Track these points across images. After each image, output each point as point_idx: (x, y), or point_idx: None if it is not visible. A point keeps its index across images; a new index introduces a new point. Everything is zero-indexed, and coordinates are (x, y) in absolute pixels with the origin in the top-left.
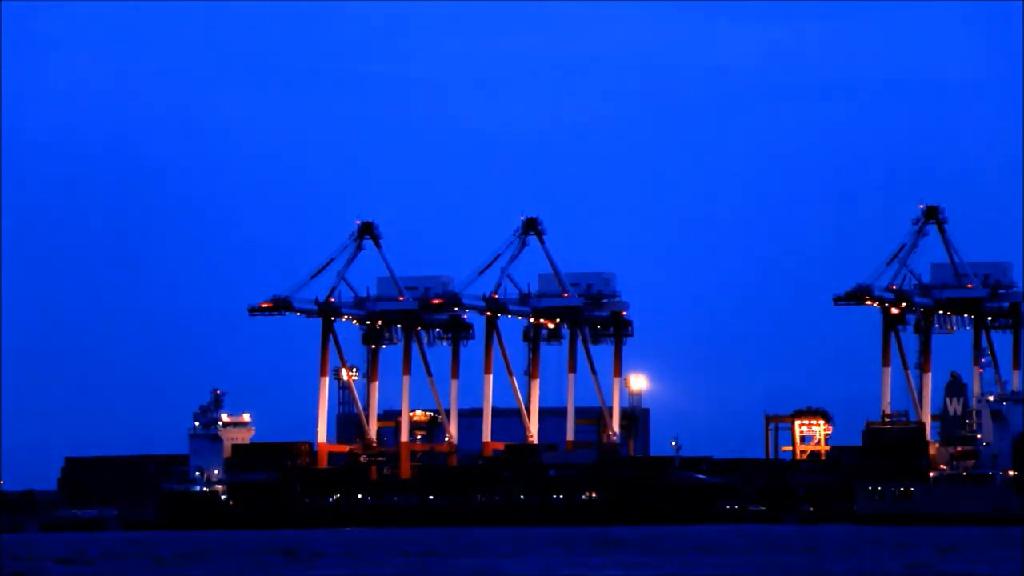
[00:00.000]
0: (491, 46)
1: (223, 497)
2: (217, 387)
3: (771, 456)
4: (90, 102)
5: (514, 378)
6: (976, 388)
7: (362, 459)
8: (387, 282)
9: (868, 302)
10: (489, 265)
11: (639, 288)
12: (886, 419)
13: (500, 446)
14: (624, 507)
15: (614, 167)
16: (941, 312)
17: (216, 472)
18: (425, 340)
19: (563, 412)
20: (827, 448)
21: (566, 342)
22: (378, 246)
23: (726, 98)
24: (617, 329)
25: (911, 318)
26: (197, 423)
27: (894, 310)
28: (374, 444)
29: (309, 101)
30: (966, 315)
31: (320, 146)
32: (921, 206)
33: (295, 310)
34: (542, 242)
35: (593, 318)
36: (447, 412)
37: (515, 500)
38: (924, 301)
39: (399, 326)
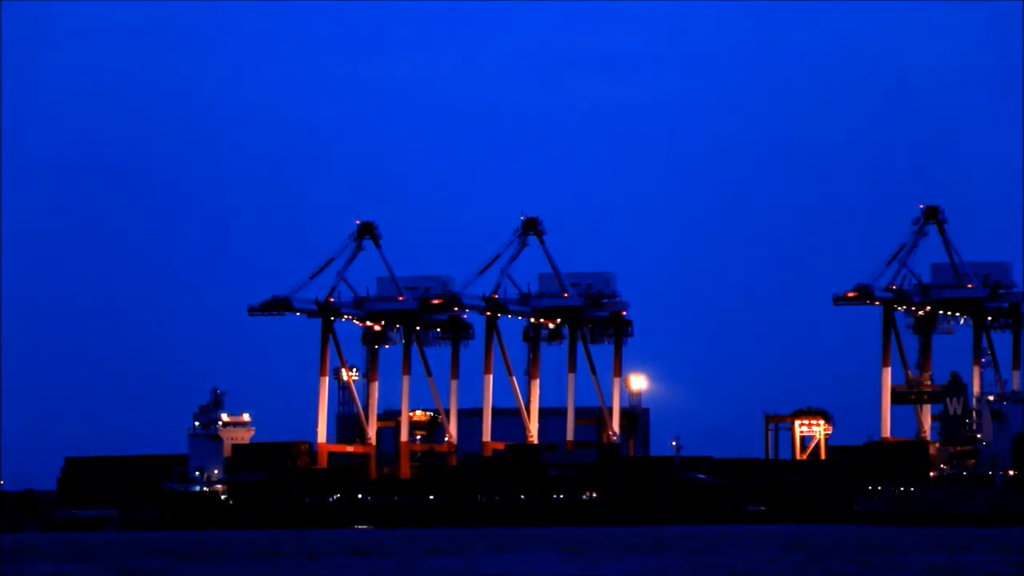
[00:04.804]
0: (490, 46)
1: (223, 497)
2: (217, 387)
3: (771, 456)
4: (90, 101)
5: (514, 378)
6: (976, 388)
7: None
8: (387, 282)
9: (868, 302)
10: (489, 265)
11: (639, 288)
12: (911, 382)
13: (500, 446)
14: (624, 507)
15: (614, 167)
16: (941, 312)
17: (216, 472)
18: (425, 340)
19: (563, 412)
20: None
21: (566, 342)
22: (378, 246)
23: (725, 98)
24: (617, 329)
25: (911, 318)
26: (197, 423)
27: (894, 310)
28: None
29: (309, 101)
30: (966, 315)
31: (320, 146)
32: (921, 206)
33: (295, 310)
34: (542, 242)
35: (593, 318)
36: (447, 412)
37: (515, 500)
38: (924, 301)
39: (399, 326)
